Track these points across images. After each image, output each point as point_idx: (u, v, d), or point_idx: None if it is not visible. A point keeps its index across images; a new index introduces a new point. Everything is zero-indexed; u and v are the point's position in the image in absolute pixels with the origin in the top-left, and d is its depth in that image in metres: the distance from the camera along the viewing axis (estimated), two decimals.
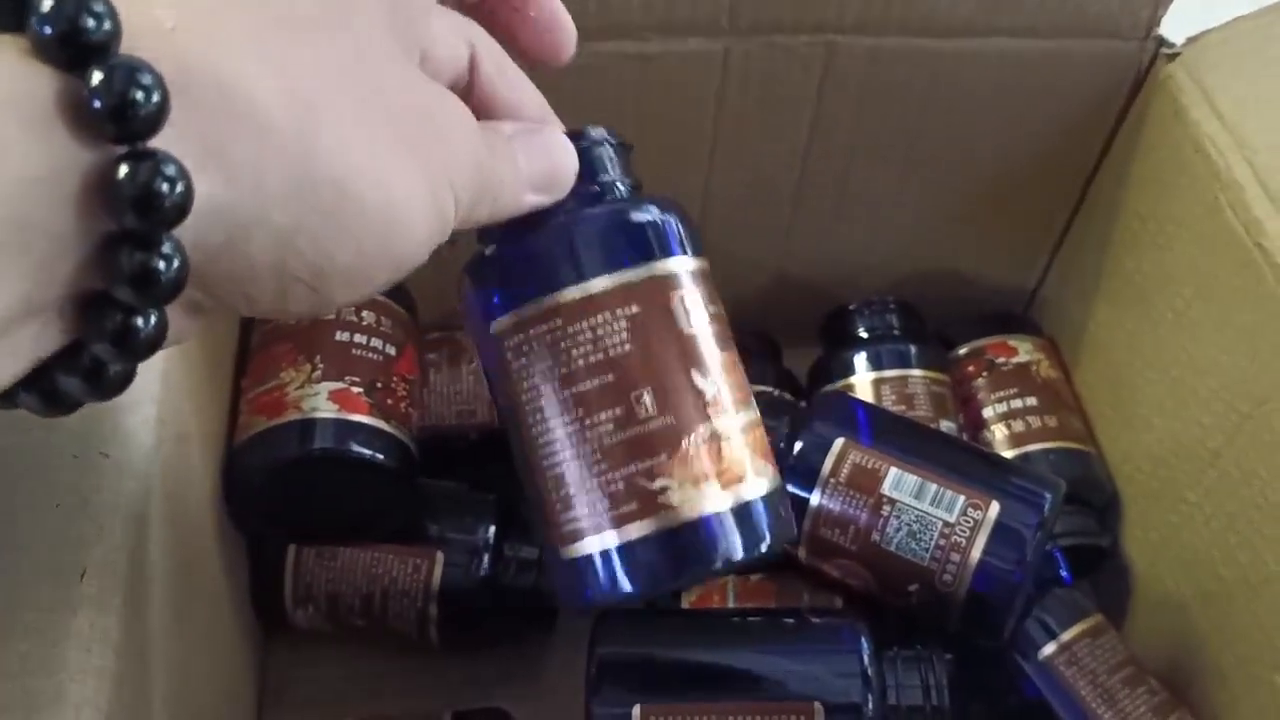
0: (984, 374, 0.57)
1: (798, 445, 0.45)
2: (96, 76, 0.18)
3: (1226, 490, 0.46)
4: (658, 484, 0.31)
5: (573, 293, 0.31)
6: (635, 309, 0.31)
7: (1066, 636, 0.47)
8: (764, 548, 0.32)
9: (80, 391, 0.21)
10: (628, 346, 0.31)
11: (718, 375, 0.32)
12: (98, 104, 0.18)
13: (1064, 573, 0.52)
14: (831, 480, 0.44)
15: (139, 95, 0.18)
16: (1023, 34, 0.49)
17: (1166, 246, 0.50)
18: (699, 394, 0.31)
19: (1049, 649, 0.47)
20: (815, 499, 0.44)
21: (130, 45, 0.18)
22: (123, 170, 0.18)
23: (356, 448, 0.44)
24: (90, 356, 0.21)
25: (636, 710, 0.39)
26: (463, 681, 0.52)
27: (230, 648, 0.46)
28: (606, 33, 0.47)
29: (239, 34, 0.20)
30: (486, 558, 0.49)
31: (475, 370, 0.53)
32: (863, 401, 0.47)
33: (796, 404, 0.55)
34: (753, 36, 0.48)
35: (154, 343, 0.21)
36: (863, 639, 0.41)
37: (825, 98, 0.51)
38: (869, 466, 0.44)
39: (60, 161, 0.18)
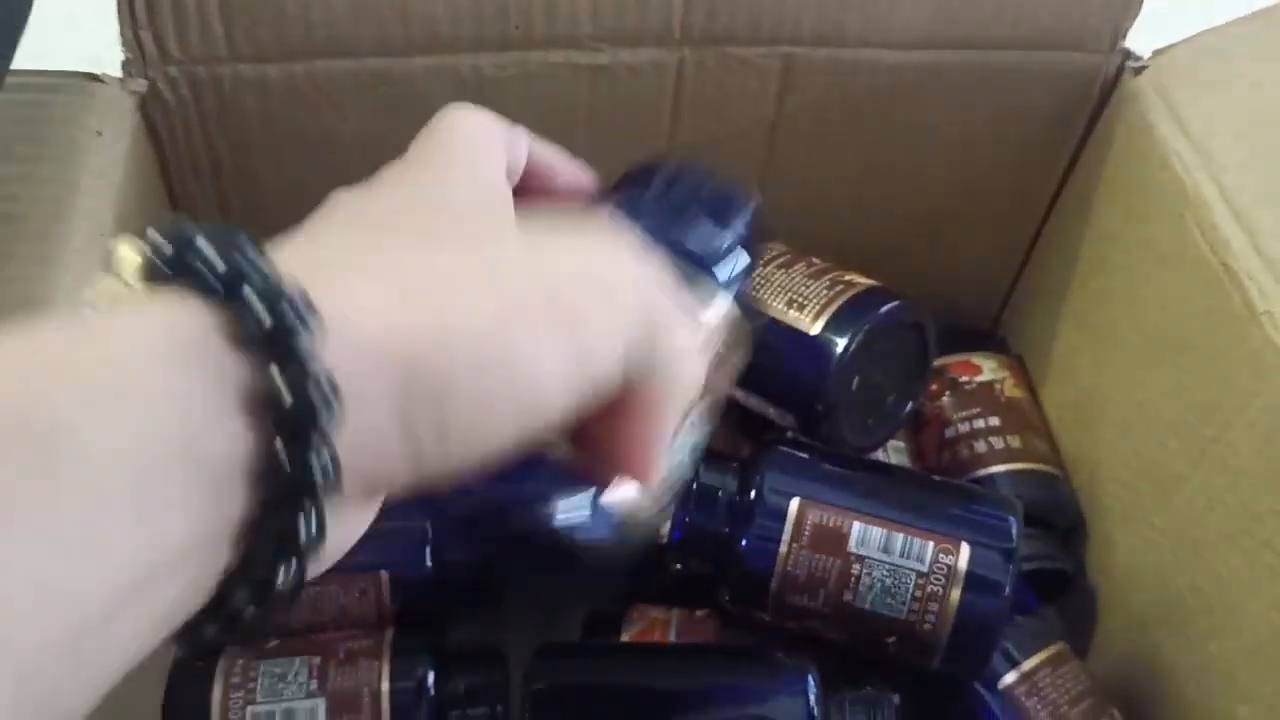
0: (947, 393, 0.55)
1: (752, 508, 0.43)
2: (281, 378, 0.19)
3: (1192, 516, 0.45)
4: None
5: None
6: None
7: (1028, 665, 0.46)
8: None
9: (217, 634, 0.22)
10: None
11: None
12: (276, 403, 0.19)
13: (1028, 597, 0.51)
14: (794, 544, 0.42)
15: (322, 407, 0.20)
16: (985, 46, 0.48)
17: (1133, 266, 0.49)
18: None
19: (1010, 678, 0.46)
20: (779, 565, 0.42)
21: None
22: (279, 379, 0.20)
23: None
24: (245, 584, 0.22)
25: None
26: None
27: None
28: (555, 43, 0.46)
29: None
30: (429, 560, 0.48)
31: None
32: (813, 448, 0.46)
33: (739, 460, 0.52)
34: (706, 47, 0.47)
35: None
36: (810, 680, 0.39)
37: (783, 111, 0.50)
38: (831, 525, 0.42)
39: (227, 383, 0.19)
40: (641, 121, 0.50)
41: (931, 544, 0.42)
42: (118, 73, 0.43)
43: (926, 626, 0.41)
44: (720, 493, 0.44)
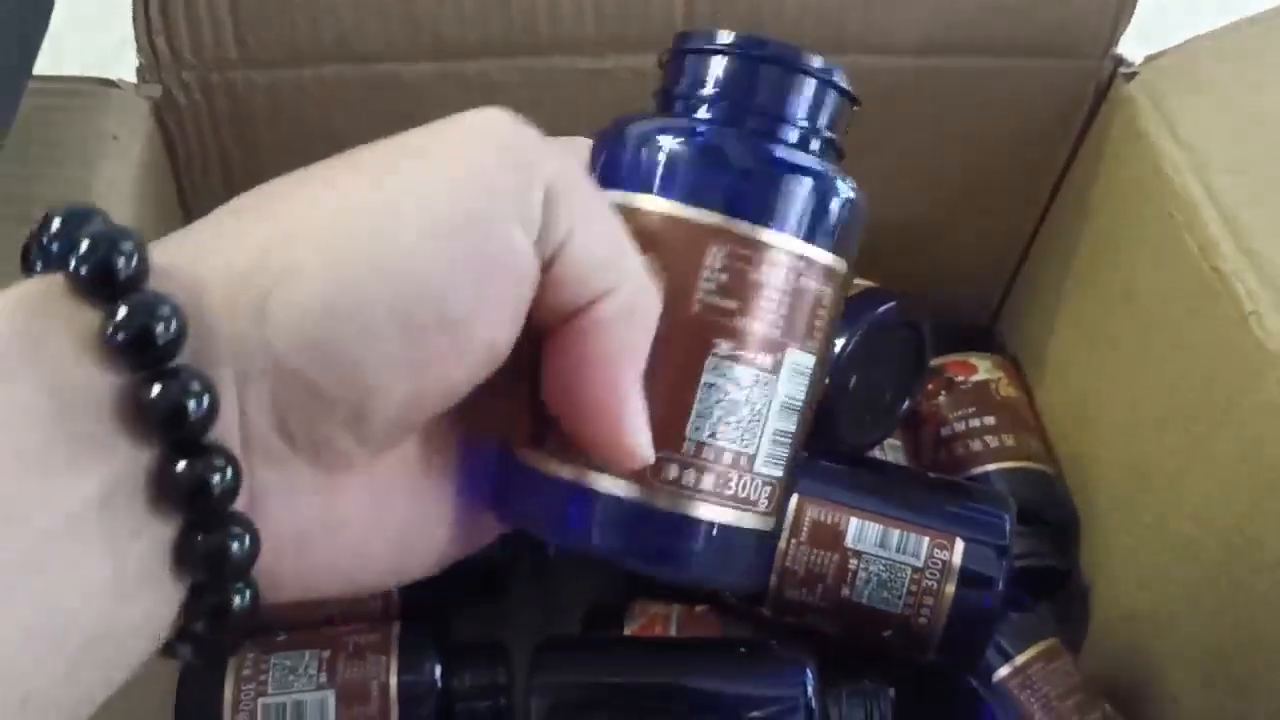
0: (943, 392, 0.56)
1: None
2: (121, 310, 0.20)
3: (1183, 514, 0.46)
4: None
5: None
6: None
7: (1021, 660, 0.47)
8: None
9: (210, 630, 0.22)
10: None
11: None
12: (120, 336, 0.20)
13: (1021, 594, 0.51)
14: (793, 540, 0.43)
15: (159, 328, 0.20)
16: (981, 52, 0.49)
17: (1125, 267, 0.50)
18: None
19: (1003, 671, 0.47)
20: (778, 561, 0.43)
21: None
22: (153, 391, 0.20)
23: None
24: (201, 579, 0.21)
25: None
26: None
27: None
28: (559, 48, 0.47)
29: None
30: None
31: None
32: (811, 445, 0.47)
33: None
34: None
35: (250, 552, 0.21)
36: (808, 673, 0.40)
37: None
38: (829, 521, 0.43)
39: (97, 386, 0.20)
40: None
41: (927, 540, 0.43)
42: (124, 75, 0.44)
43: (922, 620, 0.42)
44: None
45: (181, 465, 0.20)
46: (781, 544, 0.43)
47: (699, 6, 0.47)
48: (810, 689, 0.40)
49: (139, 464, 0.20)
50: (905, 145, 0.53)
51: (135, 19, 0.42)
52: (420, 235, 0.21)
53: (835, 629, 0.44)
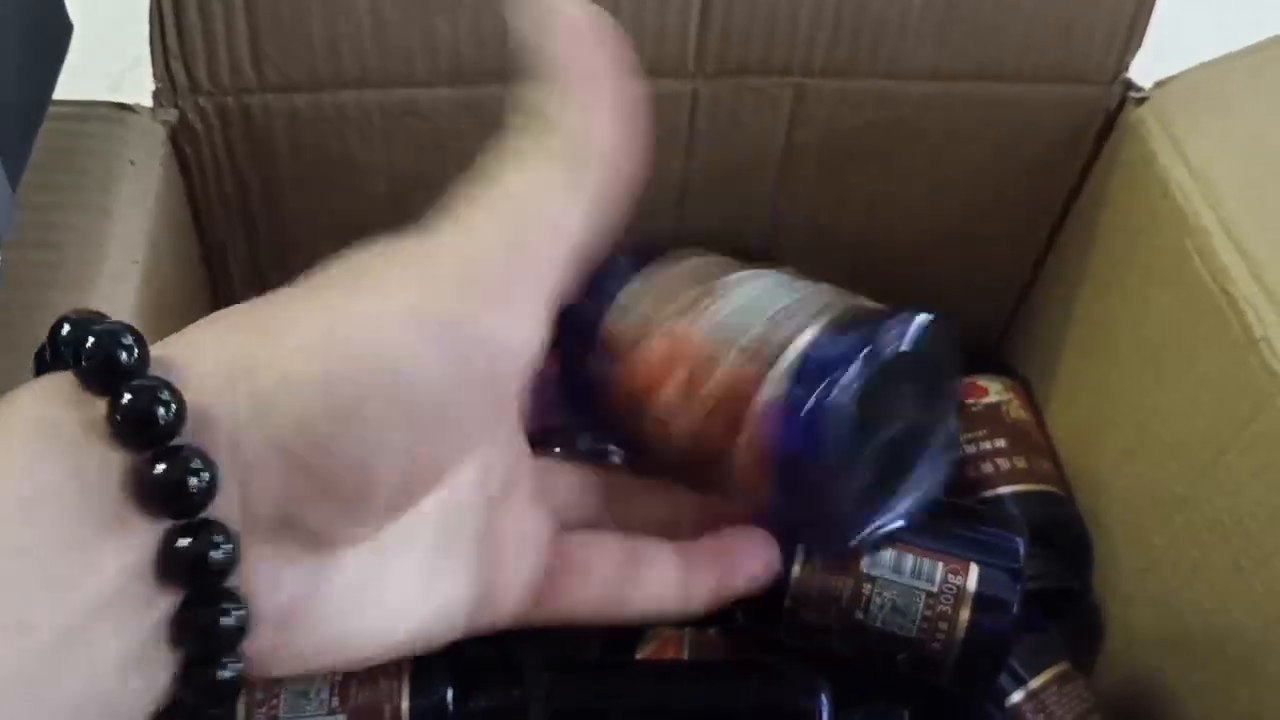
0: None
1: None
2: (125, 395, 0.21)
3: (1192, 537, 0.46)
4: None
5: None
6: None
7: (1035, 684, 0.47)
8: None
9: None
10: None
11: None
12: (124, 418, 0.21)
13: (1034, 616, 0.51)
14: (807, 565, 0.43)
15: (159, 410, 0.21)
16: (990, 77, 0.50)
17: (1134, 291, 0.50)
18: None
19: (1017, 696, 0.47)
20: (792, 585, 0.43)
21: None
22: (157, 469, 0.21)
23: None
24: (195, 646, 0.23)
25: None
26: None
27: None
28: None
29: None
30: None
31: None
32: None
33: None
34: (721, 78, 0.48)
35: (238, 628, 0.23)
36: (822, 697, 0.40)
37: (794, 139, 0.51)
38: None
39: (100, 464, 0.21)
40: (656, 149, 0.51)
41: (941, 565, 0.43)
42: (139, 93, 0.44)
43: (935, 645, 0.42)
44: None
45: (184, 541, 0.21)
46: (796, 567, 0.43)
47: (712, 32, 0.47)
48: (825, 712, 0.40)
49: (151, 540, 0.21)
50: (913, 170, 0.53)
51: (152, 44, 0.43)
52: (412, 339, 0.23)
53: (849, 652, 0.44)
